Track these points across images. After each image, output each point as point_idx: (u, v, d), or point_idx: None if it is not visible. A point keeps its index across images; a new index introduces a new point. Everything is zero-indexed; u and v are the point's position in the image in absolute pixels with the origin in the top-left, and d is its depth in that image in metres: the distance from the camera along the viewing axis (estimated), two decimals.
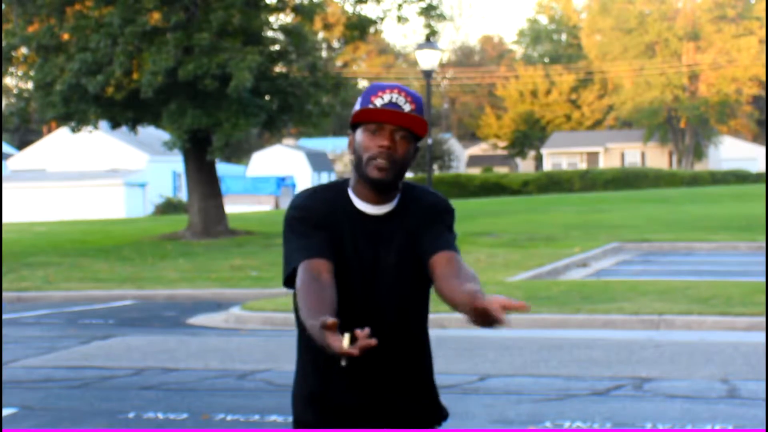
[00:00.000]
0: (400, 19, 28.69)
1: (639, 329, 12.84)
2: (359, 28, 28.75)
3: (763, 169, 71.80)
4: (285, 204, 57.63)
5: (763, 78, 72.65)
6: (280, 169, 66.24)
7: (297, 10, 27.97)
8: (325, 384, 3.32)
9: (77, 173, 55.51)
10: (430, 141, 28.47)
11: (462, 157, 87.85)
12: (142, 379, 9.93)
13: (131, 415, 8.29)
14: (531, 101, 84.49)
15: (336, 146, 75.68)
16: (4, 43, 26.70)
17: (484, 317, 2.89)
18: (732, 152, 79.79)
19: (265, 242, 26.38)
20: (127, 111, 27.63)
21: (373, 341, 2.77)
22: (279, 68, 28.37)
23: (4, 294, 18.06)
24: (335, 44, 32.72)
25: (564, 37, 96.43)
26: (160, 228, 33.23)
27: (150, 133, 50.73)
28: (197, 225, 28.66)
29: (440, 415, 3.44)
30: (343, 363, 2.82)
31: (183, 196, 51.21)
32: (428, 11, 28.92)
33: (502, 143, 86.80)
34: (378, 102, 3.25)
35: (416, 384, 3.39)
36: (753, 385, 9.06)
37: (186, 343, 12.29)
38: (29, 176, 55.94)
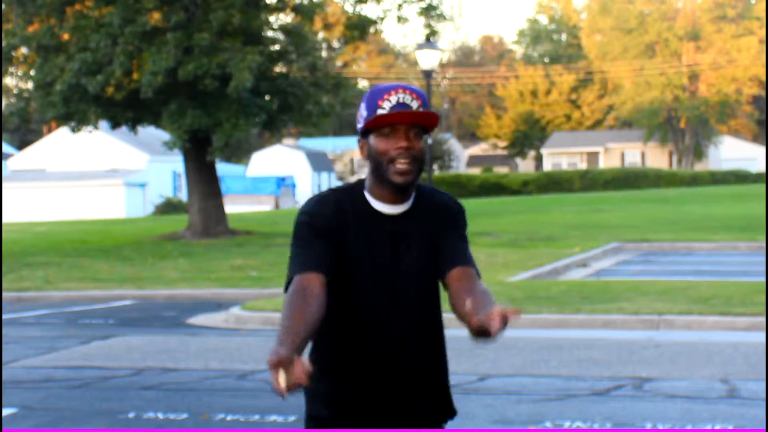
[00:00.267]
0: (400, 19, 28.70)
1: (639, 329, 12.84)
2: (359, 28, 28.77)
3: (763, 169, 71.80)
4: (285, 204, 57.68)
5: (763, 78, 72.64)
6: (280, 169, 66.21)
7: (297, 10, 27.97)
8: (343, 382, 3.36)
9: (77, 173, 55.49)
10: (430, 141, 28.50)
11: (462, 157, 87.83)
12: (142, 379, 9.93)
13: (131, 415, 8.30)
14: (531, 101, 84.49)
15: (336, 146, 75.60)
16: (4, 43, 26.70)
17: (480, 334, 3.09)
18: (732, 152, 79.76)
19: (265, 242, 26.38)
20: (127, 111, 27.64)
21: (304, 381, 2.87)
22: (279, 68, 28.37)
23: (4, 294, 18.06)
24: (335, 44, 32.71)
25: (564, 37, 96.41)
26: (160, 228, 33.23)
27: (150, 133, 50.74)
28: (197, 225, 28.66)
29: (451, 410, 3.49)
30: (283, 398, 2.93)
31: (183, 196, 51.21)
32: (428, 11, 28.93)
33: (502, 143, 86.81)
34: (387, 105, 3.29)
35: (434, 378, 3.44)
36: (753, 385, 9.06)
37: (186, 343, 12.29)
38: (29, 176, 55.92)
